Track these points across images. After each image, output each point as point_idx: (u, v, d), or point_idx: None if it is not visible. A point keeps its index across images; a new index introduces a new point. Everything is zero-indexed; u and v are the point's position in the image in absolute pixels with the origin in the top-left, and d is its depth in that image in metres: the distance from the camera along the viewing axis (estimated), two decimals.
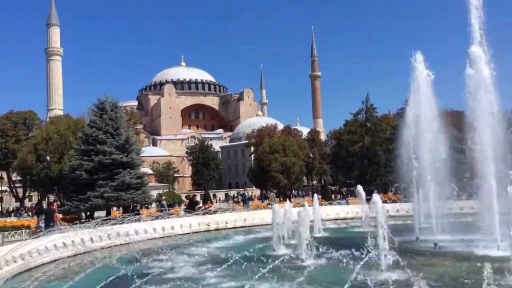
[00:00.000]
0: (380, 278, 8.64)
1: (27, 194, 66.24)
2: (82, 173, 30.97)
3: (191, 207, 29.79)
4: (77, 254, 15.25)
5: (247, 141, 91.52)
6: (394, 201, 27.86)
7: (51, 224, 20.28)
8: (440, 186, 14.37)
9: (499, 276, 8.31)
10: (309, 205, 20.08)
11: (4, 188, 75.17)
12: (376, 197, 12.84)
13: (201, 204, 34.22)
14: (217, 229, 22.23)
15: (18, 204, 68.65)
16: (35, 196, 71.29)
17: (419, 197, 15.04)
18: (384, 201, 26.76)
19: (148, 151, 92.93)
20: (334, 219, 25.38)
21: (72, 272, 11.78)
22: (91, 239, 16.80)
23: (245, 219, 24.03)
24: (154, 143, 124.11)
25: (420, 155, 14.53)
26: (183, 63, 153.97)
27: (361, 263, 7.60)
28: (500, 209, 11.92)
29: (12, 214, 50.41)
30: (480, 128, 12.91)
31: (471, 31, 13.46)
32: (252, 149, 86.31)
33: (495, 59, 13.23)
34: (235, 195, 73.57)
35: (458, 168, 15.72)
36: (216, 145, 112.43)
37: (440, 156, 14.35)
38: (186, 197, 39.87)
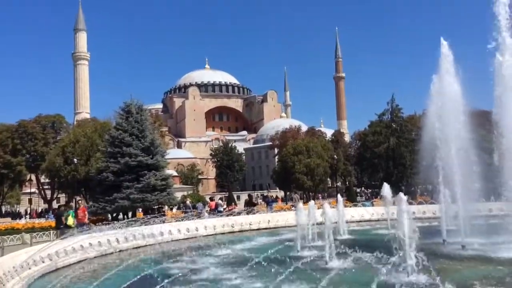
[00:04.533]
0: (405, 280, 8.48)
1: (55, 196, 67.68)
2: (108, 175, 31.50)
3: (250, 205, 30.49)
4: (103, 255, 15.44)
5: (271, 143, 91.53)
6: (420, 203, 27.41)
7: (61, 226, 20.84)
8: (467, 188, 14.02)
9: None
10: (333, 207, 19.92)
11: (33, 190, 77.07)
12: (402, 198, 12.63)
13: (225, 206, 34.28)
14: (241, 231, 22.22)
15: (46, 205, 70.21)
16: (63, 198, 72.87)
17: (446, 199, 14.69)
18: (411, 203, 26.43)
19: (173, 153, 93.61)
20: (358, 221, 25.11)
21: (98, 272, 11.97)
22: (117, 240, 17.00)
23: (269, 221, 23.98)
24: (179, 145, 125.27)
25: (446, 156, 14.20)
26: (207, 66, 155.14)
27: (387, 265, 7.47)
28: None
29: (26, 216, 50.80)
30: (508, 127, 12.57)
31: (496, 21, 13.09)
32: (276, 150, 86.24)
33: None
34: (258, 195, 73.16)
35: (487, 169, 15.33)
36: (240, 147, 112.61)
37: (467, 156, 14.01)
38: (210, 198, 40.05)
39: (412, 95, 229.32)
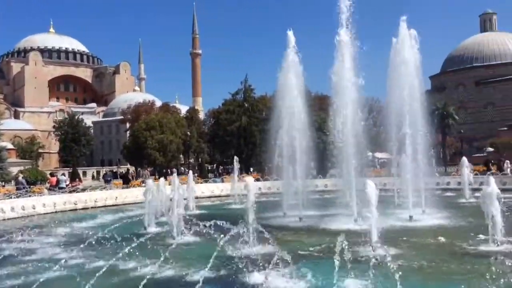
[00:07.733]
0: (246, 251, 8.90)
1: None
2: None
3: (126, 181, 28.28)
4: None
5: (122, 117, 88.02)
6: (266, 179, 29.09)
7: None
8: (307, 165, 15.24)
9: (354, 247, 9.06)
10: (183, 183, 19.99)
11: None
12: (248, 176, 13.24)
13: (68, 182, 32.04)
14: (85, 208, 21.16)
15: None
16: None
17: (288, 175, 15.77)
18: (258, 179, 27.90)
19: (9, 124, 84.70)
20: (209, 197, 25.77)
21: None
22: None
23: (116, 198, 23.20)
24: (16, 116, 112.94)
25: (289, 135, 15.22)
26: (52, 30, 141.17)
27: (227, 237, 7.75)
28: (358, 187, 12.96)
29: None
30: (342, 111, 13.93)
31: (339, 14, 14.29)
32: (128, 125, 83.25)
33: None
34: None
35: (324, 149, 16.77)
36: (88, 120, 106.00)
37: (308, 137, 15.20)
38: (51, 174, 37.06)
39: (266, 76, 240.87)
